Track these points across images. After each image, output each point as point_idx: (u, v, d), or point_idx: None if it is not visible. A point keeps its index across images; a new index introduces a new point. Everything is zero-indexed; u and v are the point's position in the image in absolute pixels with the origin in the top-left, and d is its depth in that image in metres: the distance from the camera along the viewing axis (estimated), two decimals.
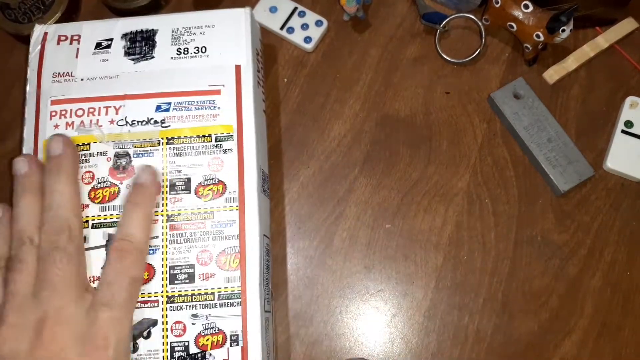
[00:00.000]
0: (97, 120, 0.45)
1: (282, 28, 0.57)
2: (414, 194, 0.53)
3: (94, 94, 0.46)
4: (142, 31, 0.48)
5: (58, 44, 0.48)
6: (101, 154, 0.44)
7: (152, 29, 0.48)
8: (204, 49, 0.47)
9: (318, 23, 0.57)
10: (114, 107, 0.45)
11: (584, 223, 0.52)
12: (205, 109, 0.45)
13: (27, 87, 0.47)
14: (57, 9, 0.58)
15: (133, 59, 0.47)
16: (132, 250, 0.39)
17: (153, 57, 0.47)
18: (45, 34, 0.48)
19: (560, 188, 0.51)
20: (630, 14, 0.57)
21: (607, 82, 0.56)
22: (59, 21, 0.58)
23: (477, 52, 0.56)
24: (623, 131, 0.53)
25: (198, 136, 0.45)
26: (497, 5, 0.53)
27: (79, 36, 0.48)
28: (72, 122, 0.45)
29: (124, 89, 0.46)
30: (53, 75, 0.47)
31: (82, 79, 0.47)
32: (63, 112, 0.45)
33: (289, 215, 0.53)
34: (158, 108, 0.45)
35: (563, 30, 0.51)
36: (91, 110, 0.46)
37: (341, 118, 0.55)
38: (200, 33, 0.48)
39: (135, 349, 0.41)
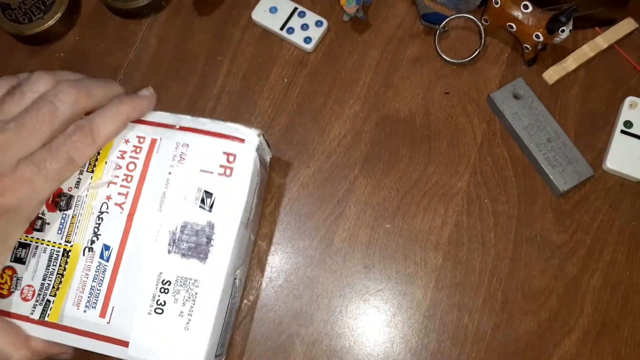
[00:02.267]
0: None
1: (282, 28, 0.58)
2: (414, 194, 0.53)
3: None
4: None
5: None
6: None
7: None
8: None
9: (318, 23, 0.57)
10: None
11: (583, 223, 0.52)
12: None
13: None
14: (57, 9, 0.58)
15: None
16: (90, 138, 0.40)
17: None
18: None
19: (559, 188, 0.51)
20: (629, 14, 0.57)
21: (607, 82, 0.56)
22: (59, 21, 0.58)
23: (476, 53, 0.56)
24: (622, 131, 0.53)
25: None
26: (497, 6, 0.53)
27: None
28: None
29: None
30: None
31: None
32: None
33: (289, 215, 0.53)
34: None
35: (562, 31, 0.51)
36: None
37: (341, 118, 0.55)
38: None
39: None
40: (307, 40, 0.57)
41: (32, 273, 0.42)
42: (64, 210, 0.42)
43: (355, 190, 0.53)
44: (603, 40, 0.56)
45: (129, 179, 0.43)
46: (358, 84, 0.57)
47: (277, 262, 0.52)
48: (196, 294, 0.40)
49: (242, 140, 0.43)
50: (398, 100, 0.56)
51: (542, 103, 0.54)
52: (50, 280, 0.41)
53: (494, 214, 0.52)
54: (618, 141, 0.53)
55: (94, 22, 0.60)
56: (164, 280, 0.41)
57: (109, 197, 0.42)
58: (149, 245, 0.41)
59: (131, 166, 0.43)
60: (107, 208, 0.42)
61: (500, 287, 0.50)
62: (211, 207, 0.42)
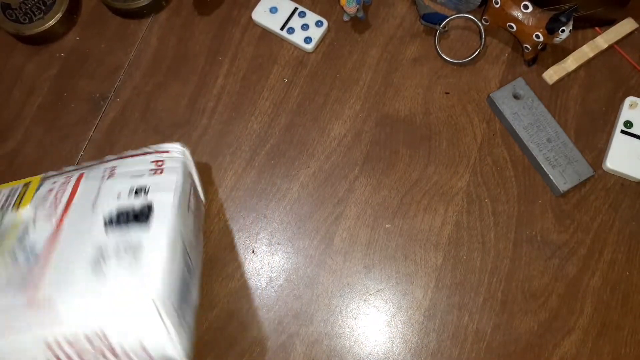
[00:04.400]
0: None
1: (282, 28, 0.58)
2: (414, 194, 0.53)
3: None
4: None
5: None
6: None
7: None
8: None
9: (318, 23, 0.57)
10: None
11: (583, 223, 0.52)
12: None
13: None
14: (58, 9, 0.58)
15: None
16: None
17: None
18: None
19: (559, 188, 0.51)
20: (629, 14, 0.57)
21: (607, 82, 0.56)
22: (59, 21, 0.58)
23: (476, 53, 0.56)
24: (622, 131, 0.53)
25: None
26: (497, 6, 0.53)
27: None
28: None
29: None
30: None
31: None
32: None
33: (289, 215, 0.53)
34: None
35: (562, 31, 0.51)
36: None
37: (341, 118, 0.55)
38: None
39: None
40: (308, 40, 0.57)
41: None
42: None
43: (355, 190, 0.53)
44: (603, 40, 0.56)
45: (57, 200, 0.42)
46: (358, 83, 0.57)
47: (278, 261, 0.52)
48: (143, 248, 0.39)
49: (167, 151, 0.46)
50: (398, 100, 0.56)
51: (542, 103, 0.54)
52: None
53: (494, 214, 0.52)
54: (618, 141, 0.53)
55: (94, 22, 0.60)
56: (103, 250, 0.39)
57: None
58: (85, 227, 0.40)
59: (59, 194, 0.43)
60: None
61: (500, 287, 0.50)
62: (146, 193, 0.41)
